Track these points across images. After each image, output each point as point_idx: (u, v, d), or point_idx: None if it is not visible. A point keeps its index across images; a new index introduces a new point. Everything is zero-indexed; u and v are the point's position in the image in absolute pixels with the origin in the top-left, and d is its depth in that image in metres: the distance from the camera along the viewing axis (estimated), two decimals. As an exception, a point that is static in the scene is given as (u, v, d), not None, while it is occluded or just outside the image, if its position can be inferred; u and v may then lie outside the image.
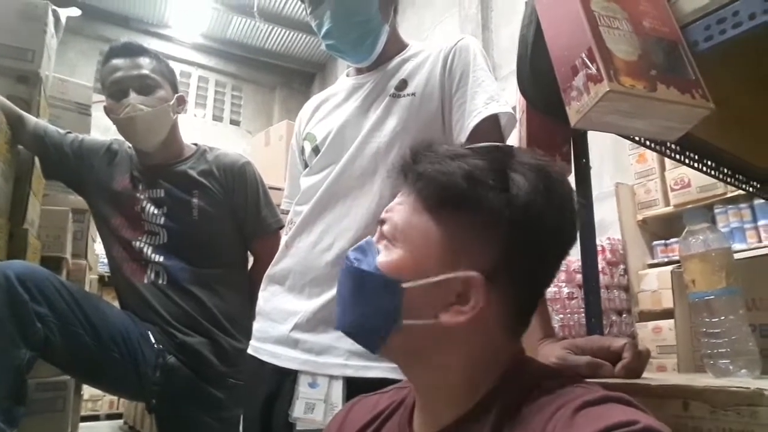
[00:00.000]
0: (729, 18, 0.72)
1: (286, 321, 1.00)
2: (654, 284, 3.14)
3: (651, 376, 0.67)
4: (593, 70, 0.69)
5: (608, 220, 3.44)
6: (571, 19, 0.73)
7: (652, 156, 3.34)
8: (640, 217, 3.42)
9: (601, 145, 3.36)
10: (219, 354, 1.42)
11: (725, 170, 1.26)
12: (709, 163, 1.21)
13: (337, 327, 0.62)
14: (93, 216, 1.66)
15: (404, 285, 0.55)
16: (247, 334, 1.09)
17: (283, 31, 7.43)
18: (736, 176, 1.28)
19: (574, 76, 0.72)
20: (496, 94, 0.99)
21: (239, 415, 1.09)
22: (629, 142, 3.27)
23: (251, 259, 1.67)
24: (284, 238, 1.10)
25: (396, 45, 1.12)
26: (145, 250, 1.47)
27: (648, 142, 1.10)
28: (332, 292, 0.95)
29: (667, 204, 3.28)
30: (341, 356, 0.91)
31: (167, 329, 1.40)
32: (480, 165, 0.57)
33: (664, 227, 3.36)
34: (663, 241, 3.37)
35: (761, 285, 0.72)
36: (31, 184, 1.50)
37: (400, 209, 0.59)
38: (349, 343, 0.91)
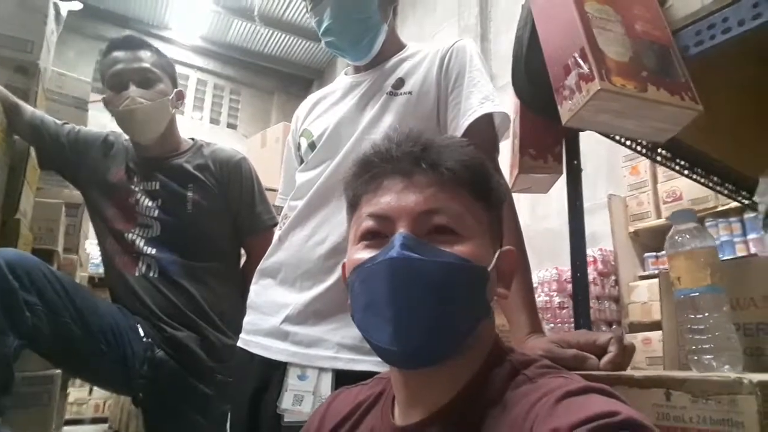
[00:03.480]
0: (719, 24, 0.74)
1: (277, 313, 1.00)
2: (644, 296, 3.16)
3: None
4: (585, 69, 0.70)
5: (600, 232, 3.46)
6: (565, 20, 0.75)
7: (644, 168, 3.38)
8: (631, 229, 3.44)
9: (595, 157, 3.39)
10: (207, 349, 1.42)
11: (715, 179, 1.27)
12: (699, 171, 1.23)
13: (435, 331, 0.54)
14: (87, 208, 1.65)
15: (489, 269, 0.58)
16: (237, 330, 1.08)
17: (283, 36, 7.47)
18: (725, 185, 1.30)
19: (567, 75, 0.73)
20: (491, 93, 1.00)
21: (226, 412, 1.08)
22: (623, 153, 3.33)
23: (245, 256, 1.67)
24: (278, 233, 1.11)
25: (394, 45, 1.13)
26: (137, 242, 1.47)
27: (639, 148, 1.12)
28: (324, 285, 0.96)
29: (659, 216, 3.30)
30: (331, 349, 0.92)
31: (156, 323, 1.39)
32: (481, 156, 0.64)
33: (655, 239, 3.38)
34: (654, 253, 3.39)
35: (745, 286, 0.73)
36: (26, 173, 1.49)
37: (444, 199, 0.58)
38: (338, 336, 0.92)
